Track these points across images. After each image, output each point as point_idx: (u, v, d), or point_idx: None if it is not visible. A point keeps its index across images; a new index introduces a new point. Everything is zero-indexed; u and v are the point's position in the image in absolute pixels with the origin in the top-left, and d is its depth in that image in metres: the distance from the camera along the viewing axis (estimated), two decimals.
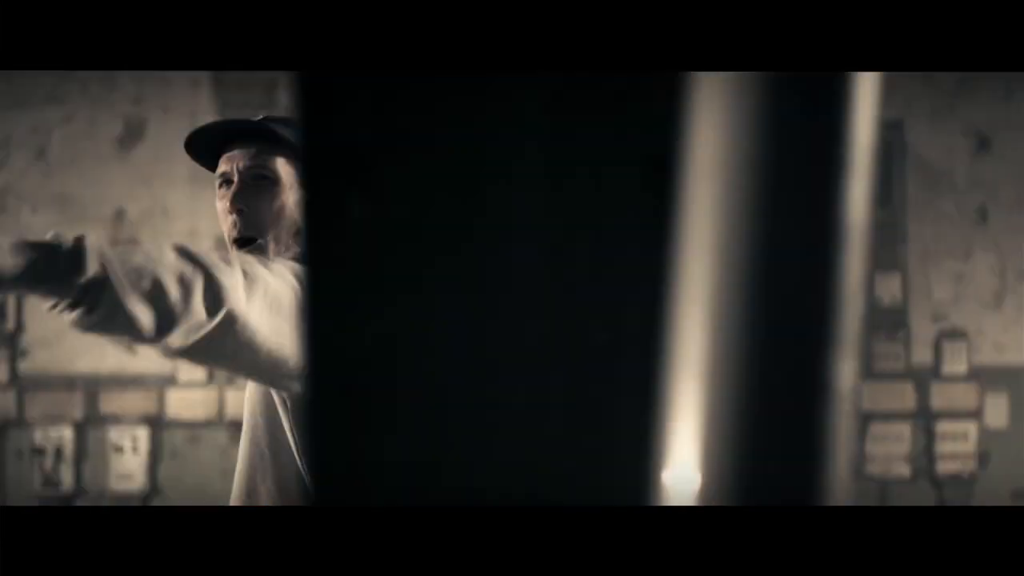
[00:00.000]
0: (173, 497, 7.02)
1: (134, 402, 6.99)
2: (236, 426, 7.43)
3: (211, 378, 7.08)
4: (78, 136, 7.26)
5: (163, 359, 7.03)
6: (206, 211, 7.20)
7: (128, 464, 7.05)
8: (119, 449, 7.06)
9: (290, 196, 2.09)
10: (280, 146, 2.11)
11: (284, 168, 2.10)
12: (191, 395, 7.08)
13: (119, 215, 7.22)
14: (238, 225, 2.06)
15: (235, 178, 2.09)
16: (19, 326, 7.13)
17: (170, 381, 7.10)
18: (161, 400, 7.09)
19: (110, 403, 7.04)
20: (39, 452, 7.05)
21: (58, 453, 7.04)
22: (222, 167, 2.14)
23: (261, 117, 2.19)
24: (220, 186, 2.13)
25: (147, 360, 7.08)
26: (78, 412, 7.07)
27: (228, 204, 2.07)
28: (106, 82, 7.15)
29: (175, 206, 7.28)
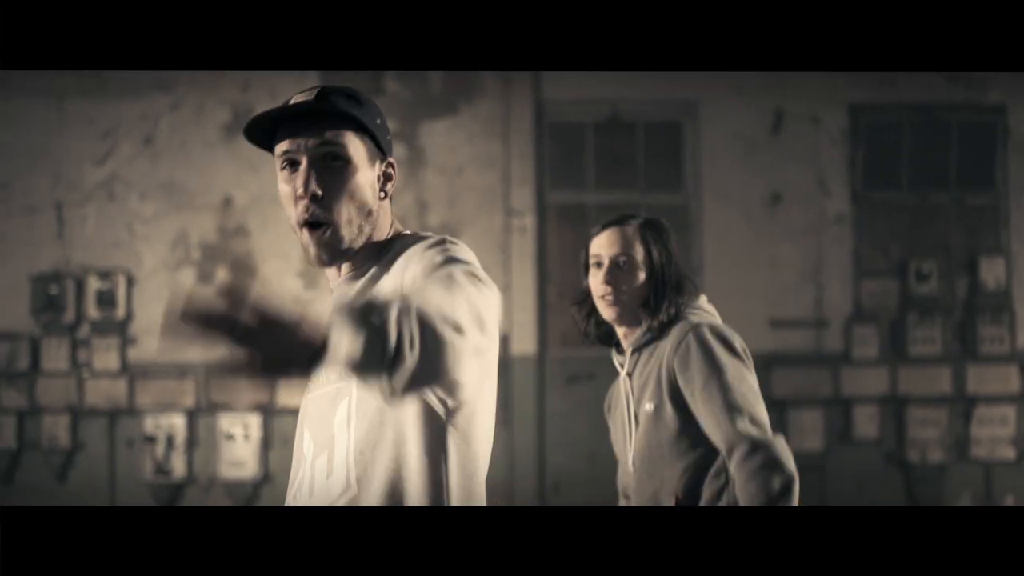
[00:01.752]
0: (284, 484, 7.01)
1: (246, 390, 6.97)
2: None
3: None
4: (185, 123, 7.24)
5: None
6: None
7: (240, 451, 7.05)
8: (230, 437, 7.05)
9: (361, 176, 2.03)
10: (348, 122, 2.02)
11: (354, 146, 2.03)
12: (303, 382, 7.07)
13: (226, 202, 7.21)
14: (311, 209, 1.99)
15: (303, 159, 2.00)
16: (129, 314, 7.12)
17: None
18: (272, 388, 7.07)
19: (221, 391, 7.03)
20: (150, 440, 7.04)
21: (169, 441, 7.03)
22: (285, 147, 2.01)
23: (318, 88, 2.05)
24: (283, 167, 2.03)
25: None
26: (189, 400, 7.07)
27: (300, 187, 1.99)
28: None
29: None
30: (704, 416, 2.75)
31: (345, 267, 2.08)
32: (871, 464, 7.22)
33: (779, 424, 7.16)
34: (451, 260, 1.90)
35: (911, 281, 7.31)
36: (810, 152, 7.36)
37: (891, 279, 7.34)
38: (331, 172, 1.99)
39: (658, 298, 2.86)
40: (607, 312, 2.91)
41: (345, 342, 1.65)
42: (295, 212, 2.01)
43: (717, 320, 2.90)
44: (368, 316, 1.67)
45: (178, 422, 7.02)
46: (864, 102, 7.38)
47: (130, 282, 7.01)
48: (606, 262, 2.91)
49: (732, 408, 2.72)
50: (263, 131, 2.04)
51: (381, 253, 2.06)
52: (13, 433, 7.04)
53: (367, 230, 2.05)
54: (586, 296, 3.00)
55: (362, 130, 2.03)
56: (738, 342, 2.82)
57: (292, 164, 2.01)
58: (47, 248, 7.16)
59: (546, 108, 7.30)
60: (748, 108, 7.32)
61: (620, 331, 2.95)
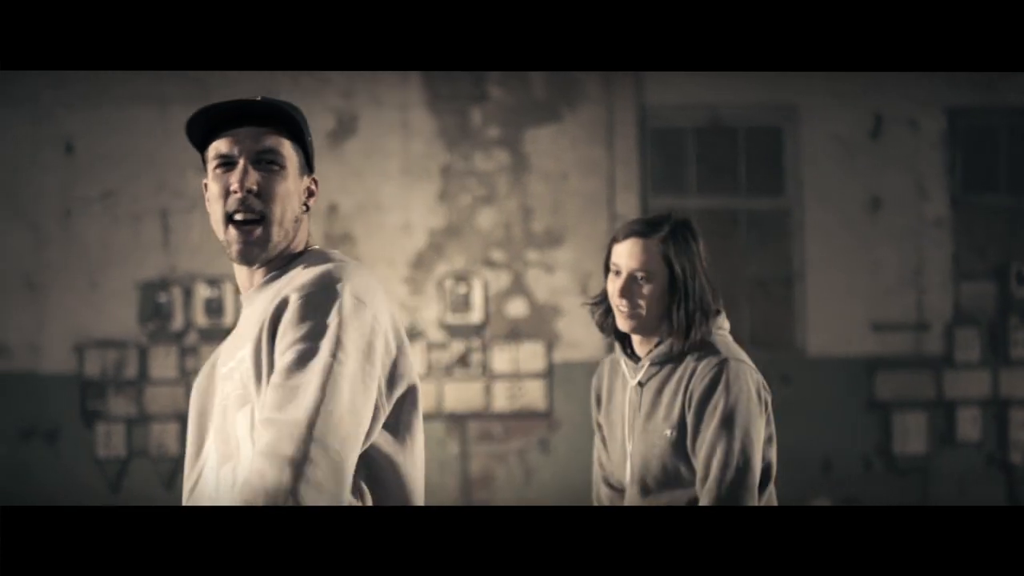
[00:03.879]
0: None
1: None
2: (453, 418, 7.48)
3: (428, 371, 7.11)
4: None
5: None
6: (419, 204, 7.21)
7: None
8: None
9: (292, 184, 2.08)
10: (287, 131, 2.08)
11: (290, 154, 2.08)
12: None
13: (331, 209, 7.23)
14: (247, 201, 2.03)
15: (240, 160, 2.04)
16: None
17: None
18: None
19: None
20: None
21: None
22: (221, 148, 2.06)
23: (259, 97, 2.10)
24: (217, 167, 2.07)
25: None
26: None
27: (235, 183, 2.03)
28: (317, 76, 7.14)
29: (387, 199, 7.29)
30: (699, 451, 2.68)
31: (258, 275, 2.12)
32: (973, 466, 7.28)
33: (883, 427, 7.22)
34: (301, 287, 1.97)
35: (1011, 284, 7.36)
36: (909, 156, 7.40)
37: (990, 282, 7.39)
38: (268, 174, 2.05)
39: (680, 316, 2.73)
40: (622, 323, 2.79)
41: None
42: (223, 206, 2.05)
43: (741, 354, 2.76)
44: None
45: None
46: (962, 105, 7.42)
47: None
48: (624, 273, 2.78)
49: (726, 467, 2.64)
50: (202, 128, 2.08)
51: (287, 266, 2.11)
52: (122, 441, 7.05)
53: (290, 236, 2.10)
54: (604, 297, 2.88)
55: (299, 141, 2.10)
56: (757, 382, 2.73)
57: (227, 164, 2.05)
58: (153, 256, 7.17)
59: (648, 113, 7.33)
60: (847, 112, 7.36)
61: (635, 338, 2.85)
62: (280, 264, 2.11)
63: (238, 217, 2.04)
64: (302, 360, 1.88)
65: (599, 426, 3.00)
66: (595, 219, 7.29)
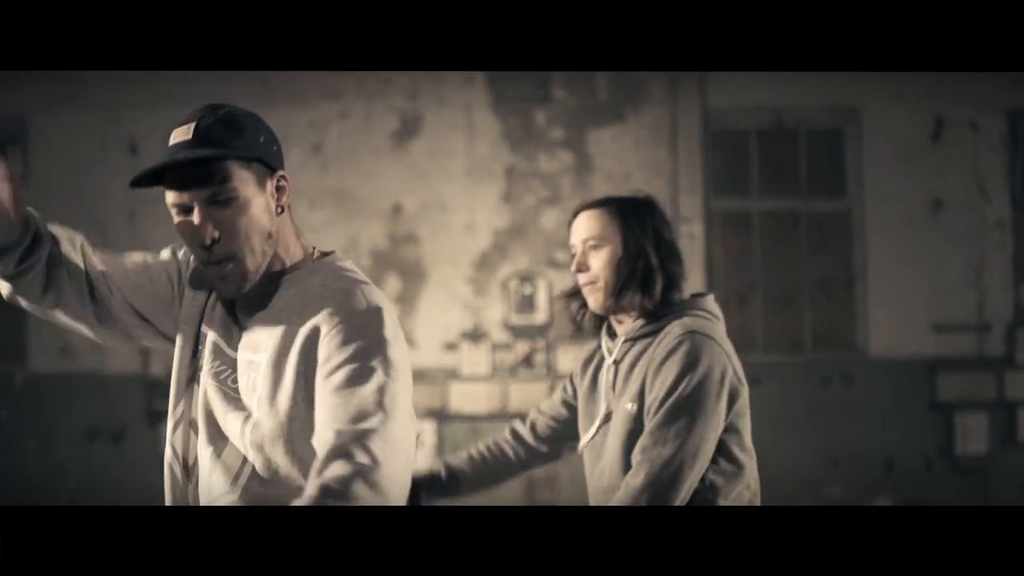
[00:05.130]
0: None
1: (419, 396, 7.03)
2: (520, 419, 7.51)
3: (492, 372, 7.13)
4: (354, 131, 7.27)
5: (445, 353, 7.06)
6: (483, 204, 7.23)
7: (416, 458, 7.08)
8: None
9: (254, 207, 2.03)
10: (229, 157, 1.99)
11: (242, 180, 2.01)
12: (474, 388, 7.12)
13: (396, 209, 7.25)
14: (213, 252, 2.01)
15: (194, 206, 2.00)
16: None
17: (453, 375, 7.14)
18: (445, 394, 7.12)
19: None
20: None
21: None
22: (173, 198, 2.01)
23: (195, 123, 2.01)
24: (177, 213, 2.02)
25: (430, 354, 7.11)
26: None
27: (200, 235, 2.00)
28: (381, 77, 7.16)
29: (452, 200, 7.30)
30: (645, 421, 2.53)
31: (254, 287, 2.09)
32: None
33: (945, 428, 7.25)
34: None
35: None
36: (970, 158, 7.42)
37: None
38: (224, 213, 1.99)
39: (647, 282, 2.61)
40: (591, 300, 2.67)
41: None
42: (196, 254, 2.04)
43: (717, 336, 2.57)
44: None
45: None
46: (1023, 107, 7.45)
47: None
48: (579, 246, 2.69)
49: (657, 444, 2.47)
50: (148, 177, 2.02)
51: (297, 277, 2.08)
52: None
53: (270, 252, 2.07)
54: (577, 289, 2.77)
55: (245, 159, 2.02)
56: (723, 365, 2.53)
57: (184, 211, 2.01)
58: None
59: (710, 115, 7.35)
60: (908, 114, 7.38)
61: (614, 319, 2.71)
62: (277, 274, 2.10)
63: (212, 263, 2.02)
64: (357, 378, 1.91)
65: (567, 394, 2.93)
66: None
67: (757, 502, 2.68)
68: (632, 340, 2.64)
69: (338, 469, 1.79)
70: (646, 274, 2.62)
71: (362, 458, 1.80)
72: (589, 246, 2.65)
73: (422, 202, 7.22)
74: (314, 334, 1.97)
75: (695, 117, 7.30)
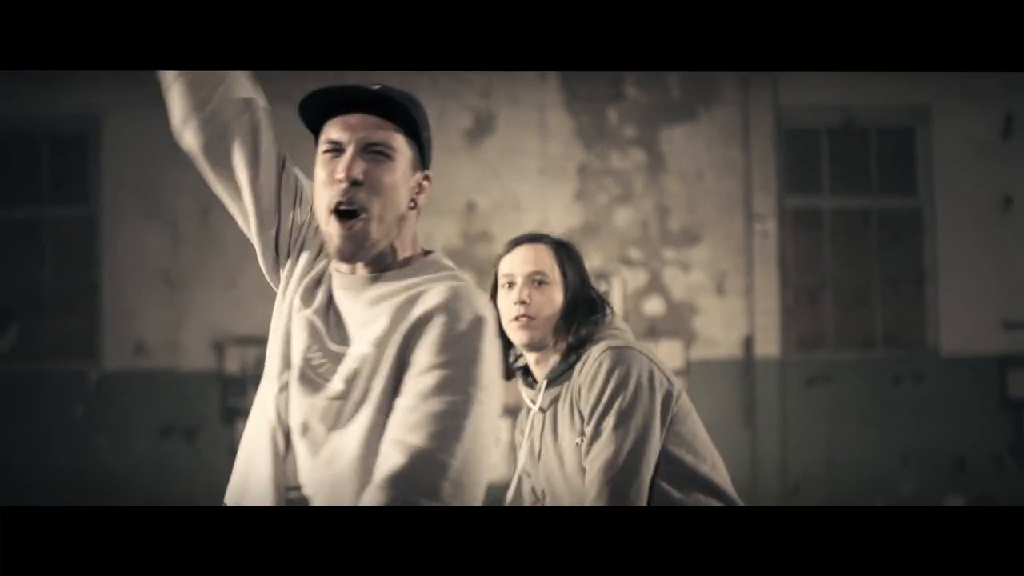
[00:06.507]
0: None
1: None
2: None
3: None
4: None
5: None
6: (556, 203, 7.24)
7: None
8: None
9: (401, 177, 1.97)
10: (402, 124, 1.97)
11: (401, 148, 1.97)
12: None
13: (469, 207, 7.26)
14: (348, 194, 1.93)
15: (350, 148, 1.95)
16: None
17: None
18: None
19: None
20: None
21: None
22: (333, 134, 1.96)
23: (380, 86, 1.98)
24: (327, 151, 1.97)
25: None
26: None
27: (341, 171, 1.93)
28: (456, 76, 7.17)
29: (526, 198, 7.31)
30: (584, 442, 2.51)
31: (360, 266, 2.02)
32: None
33: (1016, 425, 7.27)
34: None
35: None
36: None
37: None
38: (375, 164, 1.94)
39: (570, 320, 2.59)
40: (518, 336, 2.62)
41: None
42: (328, 196, 1.95)
43: (633, 343, 2.59)
44: None
45: None
46: None
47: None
48: (519, 280, 2.63)
49: (603, 452, 2.47)
50: (316, 111, 2.00)
51: (406, 271, 2.01)
52: None
53: (393, 234, 1.99)
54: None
55: (413, 136, 1.99)
56: (649, 369, 2.53)
57: (336, 151, 1.96)
58: None
59: (782, 114, 7.37)
60: (979, 113, 7.40)
61: (531, 357, 2.66)
62: (387, 264, 2.03)
63: (341, 208, 1.94)
64: (442, 389, 1.85)
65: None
66: (731, 218, 7.32)
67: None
68: (553, 381, 2.62)
69: (390, 494, 1.78)
70: (582, 314, 2.62)
71: (420, 484, 1.79)
72: (535, 281, 2.62)
73: (495, 200, 7.23)
74: (414, 332, 1.91)
75: (767, 116, 7.32)
